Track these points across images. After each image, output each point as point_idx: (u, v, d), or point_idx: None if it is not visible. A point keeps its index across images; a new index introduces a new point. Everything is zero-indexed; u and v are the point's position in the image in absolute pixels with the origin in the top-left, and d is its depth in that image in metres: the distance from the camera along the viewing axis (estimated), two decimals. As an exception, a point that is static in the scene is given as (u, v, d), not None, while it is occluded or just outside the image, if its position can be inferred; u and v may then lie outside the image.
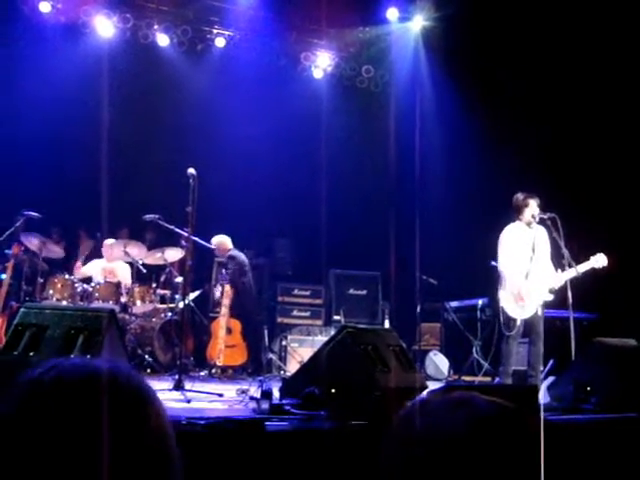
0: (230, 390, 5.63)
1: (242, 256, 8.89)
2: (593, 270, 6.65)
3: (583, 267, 6.60)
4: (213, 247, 8.77)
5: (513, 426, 0.95)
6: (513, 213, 6.88)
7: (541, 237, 6.82)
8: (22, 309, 3.82)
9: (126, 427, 0.90)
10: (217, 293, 8.73)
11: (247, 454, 3.46)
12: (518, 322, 6.63)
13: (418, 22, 10.64)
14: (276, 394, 4.61)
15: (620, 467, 4.21)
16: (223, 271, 8.76)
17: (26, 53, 9.28)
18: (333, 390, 4.17)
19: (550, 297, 6.69)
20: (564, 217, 6.66)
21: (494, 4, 8.93)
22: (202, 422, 3.54)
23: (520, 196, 6.82)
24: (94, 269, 8.64)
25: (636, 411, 4.91)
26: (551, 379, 6.09)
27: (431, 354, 9.19)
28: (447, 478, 0.90)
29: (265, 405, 4.21)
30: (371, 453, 1.05)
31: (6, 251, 7.94)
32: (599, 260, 6.61)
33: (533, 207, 6.73)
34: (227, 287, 8.45)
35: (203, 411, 4.43)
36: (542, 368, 6.81)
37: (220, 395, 5.41)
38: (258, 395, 4.44)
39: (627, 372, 5.34)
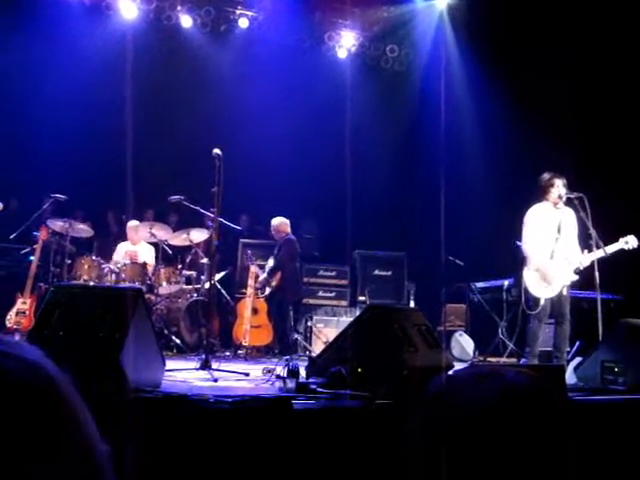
0: (256, 370, 5.66)
1: (296, 241, 9.02)
2: (621, 251, 6.57)
3: (611, 248, 6.51)
4: (271, 229, 9.02)
5: (543, 397, 0.94)
6: (539, 193, 6.81)
7: (568, 218, 6.74)
8: (51, 289, 3.87)
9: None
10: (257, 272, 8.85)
11: (274, 432, 3.48)
12: (542, 301, 6.57)
13: (443, 0, 10.51)
14: (302, 373, 4.63)
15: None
16: (248, 252, 8.81)
17: (50, 35, 9.32)
18: (359, 369, 4.18)
19: (575, 277, 6.62)
20: (592, 197, 6.57)
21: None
22: (229, 400, 3.57)
23: (546, 176, 6.73)
24: (119, 252, 8.71)
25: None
26: (578, 360, 6.05)
27: (457, 335, 9.16)
28: (477, 451, 0.89)
29: (292, 384, 4.23)
30: (397, 432, 1.04)
31: (34, 233, 8.05)
32: (629, 241, 6.51)
33: (559, 187, 6.65)
34: (252, 268, 8.51)
35: (230, 390, 4.46)
36: (568, 349, 6.76)
37: (247, 374, 5.43)
38: (285, 374, 4.46)
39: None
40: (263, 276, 8.70)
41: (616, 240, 6.55)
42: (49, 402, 0.74)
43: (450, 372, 1.10)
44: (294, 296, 8.95)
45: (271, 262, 8.83)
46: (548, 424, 0.91)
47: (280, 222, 8.97)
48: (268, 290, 8.70)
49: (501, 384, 0.94)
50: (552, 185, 6.68)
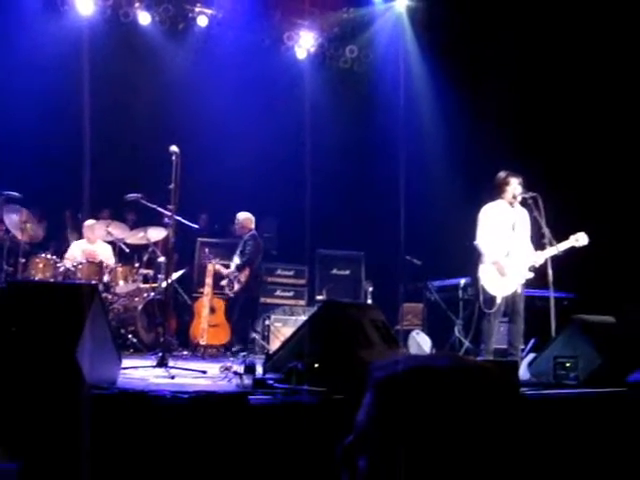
0: (213, 368, 5.64)
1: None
2: (573, 249, 6.71)
3: (563, 245, 6.65)
4: (236, 224, 9.07)
5: (496, 381, 0.96)
6: (495, 191, 6.91)
7: (522, 217, 6.85)
8: (5, 285, 3.81)
9: None
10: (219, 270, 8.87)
11: (231, 427, 3.48)
12: (498, 300, 6.67)
13: (402, 2, 10.60)
14: (259, 370, 4.64)
15: (599, 441, 4.29)
16: (206, 250, 8.77)
17: (3, 30, 9.14)
18: (316, 365, 4.20)
19: (530, 275, 6.74)
20: (544, 196, 6.70)
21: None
22: (186, 396, 3.56)
23: (502, 174, 6.84)
24: (75, 251, 8.59)
25: (614, 386, 5.00)
26: (531, 356, 6.17)
27: (414, 333, 9.24)
28: (420, 431, 0.90)
29: (248, 380, 4.23)
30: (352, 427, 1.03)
31: (-15, 231, 7.88)
32: (579, 239, 6.65)
33: (515, 185, 6.76)
34: (210, 266, 8.48)
35: (187, 386, 4.44)
36: (523, 347, 6.87)
37: (204, 372, 5.42)
38: (241, 371, 4.46)
39: (606, 348, 5.42)
40: (229, 271, 8.69)
41: (566, 238, 6.69)
42: None
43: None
44: (258, 293, 9.00)
45: (237, 259, 8.79)
46: (493, 415, 0.92)
47: (246, 217, 9.02)
48: (237, 287, 8.63)
49: (456, 361, 0.97)
50: (508, 184, 6.79)
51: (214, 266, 8.62)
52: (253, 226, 9.05)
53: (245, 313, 8.58)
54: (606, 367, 5.30)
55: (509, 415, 0.94)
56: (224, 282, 8.65)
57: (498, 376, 0.98)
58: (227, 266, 8.85)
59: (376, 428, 0.95)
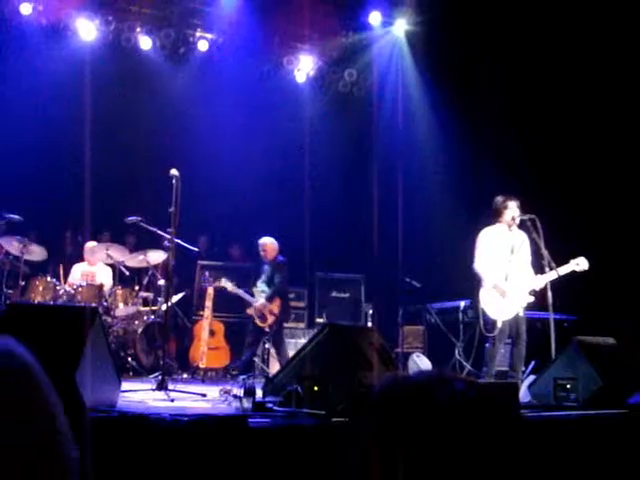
0: (213, 391, 5.64)
1: None
2: (573, 272, 6.71)
3: (564, 270, 6.66)
4: (262, 249, 8.54)
5: (490, 410, 0.96)
6: (493, 215, 6.93)
7: (521, 241, 6.87)
8: (5, 307, 3.82)
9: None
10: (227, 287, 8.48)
11: (230, 450, 3.48)
12: (499, 324, 6.67)
13: (401, 26, 10.70)
14: (259, 393, 4.63)
15: (599, 463, 4.27)
16: (206, 273, 8.75)
17: (6, 55, 9.23)
18: (315, 388, 4.19)
19: (530, 299, 6.74)
20: (543, 219, 6.72)
21: (475, 8, 9.01)
22: (185, 419, 3.56)
23: (500, 198, 6.87)
24: (75, 274, 8.60)
25: (615, 407, 4.99)
26: (532, 378, 6.15)
27: (414, 356, 9.21)
28: (421, 454, 0.90)
29: (248, 403, 4.23)
30: (353, 449, 1.02)
31: (-14, 254, 7.90)
32: (580, 263, 6.66)
33: (513, 209, 6.78)
34: (210, 289, 8.46)
35: (187, 409, 4.44)
36: (524, 369, 6.87)
37: (203, 395, 5.41)
38: (241, 394, 4.46)
39: (606, 370, 5.42)
40: (261, 304, 8.25)
41: (567, 261, 6.70)
42: (23, 386, 0.86)
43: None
44: (287, 318, 8.82)
45: (264, 287, 8.43)
46: (493, 437, 0.92)
47: (272, 242, 8.59)
48: (272, 319, 8.25)
49: (450, 392, 0.95)
50: (506, 207, 6.81)
51: (214, 289, 8.52)
52: (279, 251, 8.69)
53: (276, 340, 8.43)
54: (606, 389, 5.30)
55: (508, 436, 0.94)
56: (256, 313, 8.24)
57: (496, 397, 0.99)
58: (249, 292, 8.48)
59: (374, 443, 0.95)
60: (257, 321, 8.20)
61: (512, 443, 0.94)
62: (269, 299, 8.26)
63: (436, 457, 0.89)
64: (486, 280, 6.77)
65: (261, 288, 8.42)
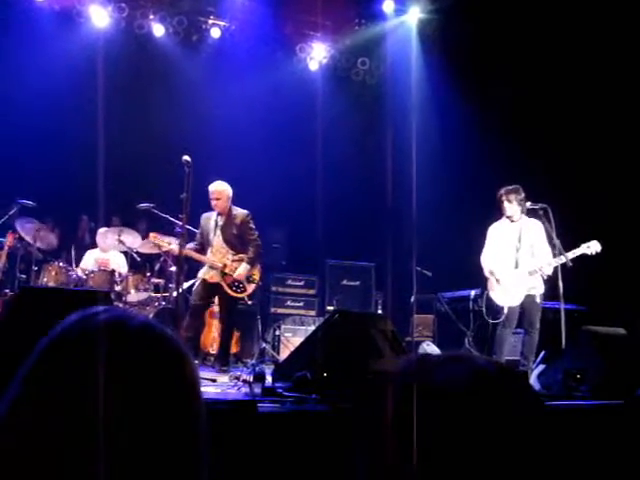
0: (223, 377, 5.68)
1: None
2: (584, 261, 6.68)
3: (573, 253, 6.63)
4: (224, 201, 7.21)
5: (510, 383, 0.95)
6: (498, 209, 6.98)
7: (529, 226, 6.86)
8: (19, 290, 3.86)
9: (167, 380, 0.93)
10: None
11: (239, 434, 3.50)
12: (505, 310, 6.68)
13: (414, 15, 10.66)
14: (269, 379, 4.66)
15: (609, 453, 4.27)
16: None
17: (20, 41, 9.27)
18: (325, 374, 4.21)
19: (536, 282, 6.71)
20: (555, 207, 6.70)
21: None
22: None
23: (501, 191, 6.88)
24: (88, 260, 8.66)
25: (625, 398, 4.97)
26: (541, 367, 6.15)
27: (424, 345, 9.21)
28: (443, 430, 0.89)
29: (257, 388, 4.25)
30: (366, 435, 1.01)
31: (0, 239, 7.96)
32: (591, 246, 6.64)
33: (513, 203, 6.78)
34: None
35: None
36: (534, 359, 6.87)
37: (213, 380, 5.44)
38: (251, 380, 4.48)
39: (616, 360, 5.41)
40: (244, 268, 7.13)
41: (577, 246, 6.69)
42: (184, 358, 0.97)
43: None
44: None
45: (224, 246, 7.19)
46: (514, 410, 0.91)
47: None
48: (252, 287, 7.35)
49: (471, 367, 0.95)
50: (507, 201, 6.82)
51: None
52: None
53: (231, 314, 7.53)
54: (616, 379, 5.29)
55: (531, 413, 0.93)
56: (218, 278, 7.11)
57: (517, 386, 0.96)
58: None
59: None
60: (228, 290, 7.09)
61: (535, 421, 0.92)
62: (252, 264, 7.21)
63: (456, 437, 0.88)
64: (485, 270, 6.91)
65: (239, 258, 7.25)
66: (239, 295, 7.21)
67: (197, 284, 7.23)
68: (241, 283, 7.16)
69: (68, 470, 0.85)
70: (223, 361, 7.19)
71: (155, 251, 8.51)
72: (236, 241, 7.21)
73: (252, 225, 7.31)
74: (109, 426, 0.86)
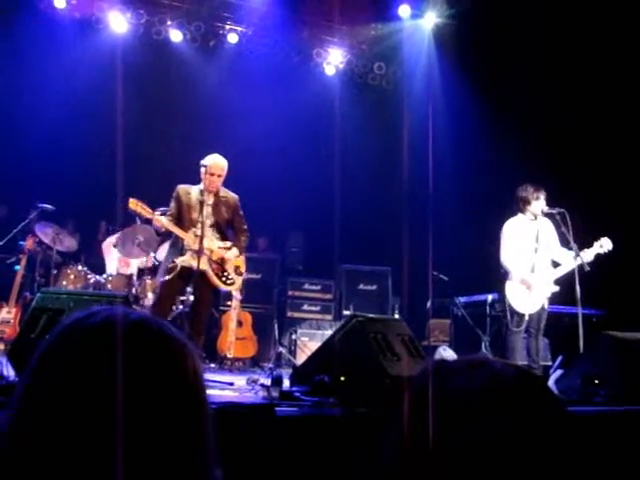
0: (241, 380, 5.69)
1: None
2: (601, 264, 6.64)
3: (589, 254, 6.59)
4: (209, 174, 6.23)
5: (529, 388, 0.94)
6: (518, 205, 6.89)
7: (545, 227, 6.84)
8: (39, 294, 3.90)
9: (167, 375, 0.95)
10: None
11: (257, 438, 3.52)
12: (526, 317, 6.65)
13: (430, 19, 10.66)
14: (286, 382, 4.67)
15: (627, 458, 4.24)
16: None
17: (41, 49, 9.38)
18: (342, 378, 4.22)
19: (556, 289, 6.69)
20: (572, 211, 6.67)
21: (505, 2, 8.95)
22: (213, 406, 3.59)
23: (530, 188, 6.80)
24: (112, 257, 8.76)
25: (644, 403, 4.94)
26: (559, 372, 6.11)
27: (440, 349, 9.20)
28: (461, 435, 0.88)
29: (275, 392, 4.27)
30: (379, 440, 1.01)
31: (20, 243, 8.06)
32: (604, 244, 6.60)
33: (542, 200, 6.75)
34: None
35: (214, 397, 4.48)
36: (544, 363, 6.85)
37: (231, 384, 5.46)
38: (268, 383, 4.50)
39: (636, 365, 5.36)
40: (233, 254, 6.36)
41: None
42: (186, 353, 0.98)
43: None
44: None
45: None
46: (533, 415, 0.90)
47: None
48: (240, 280, 6.61)
49: (489, 372, 0.94)
50: (537, 198, 6.77)
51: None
52: None
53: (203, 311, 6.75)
54: (636, 384, 5.25)
55: (551, 415, 0.93)
56: (206, 266, 6.19)
57: (536, 390, 0.95)
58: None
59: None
60: (216, 281, 6.26)
61: (558, 424, 0.92)
62: (241, 252, 6.50)
63: (476, 443, 0.88)
64: (514, 273, 6.75)
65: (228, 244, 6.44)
66: (227, 288, 6.40)
67: (172, 274, 6.13)
68: (230, 274, 6.31)
69: (76, 468, 0.87)
70: None
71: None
72: (225, 226, 6.37)
73: (242, 212, 6.51)
74: (112, 421, 0.88)
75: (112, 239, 8.67)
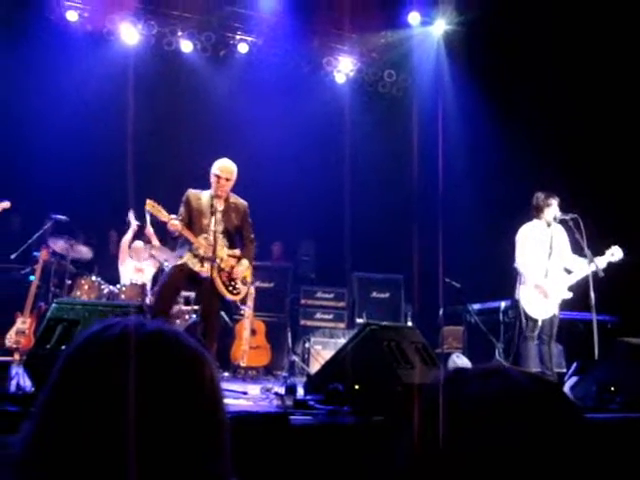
0: (254, 389, 5.70)
1: None
2: (614, 270, 6.62)
3: (602, 262, 6.58)
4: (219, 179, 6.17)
5: (546, 397, 0.94)
6: (532, 212, 6.90)
7: (558, 234, 6.84)
8: (54, 304, 3.92)
9: (185, 385, 0.96)
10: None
11: (272, 447, 3.52)
12: (539, 323, 6.63)
13: (440, 26, 10.68)
14: (300, 391, 4.67)
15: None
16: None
17: (54, 61, 9.47)
18: (356, 386, 4.22)
19: (569, 295, 6.67)
20: (584, 218, 6.65)
21: (515, 9, 8.94)
22: (228, 415, 3.60)
23: (541, 195, 6.83)
24: (127, 267, 8.81)
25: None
26: (574, 379, 6.08)
27: (454, 357, 9.15)
28: (477, 443, 0.88)
29: (289, 401, 4.27)
30: (393, 448, 1.01)
31: (35, 253, 8.11)
32: (615, 253, 6.60)
33: (554, 207, 6.75)
34: (252, 289, 8.51)
35: (228, 406, 4.48)
36: (558, 369, 6.82)
37: (244, 393, 5.46)
38: (282, 392, 4.51)
39: (651, 372, 5.33)
40: (245, 266, 6.24)
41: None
42: (203, 363, 1.00)
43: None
44: None
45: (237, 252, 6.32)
46: (549, 424, 0.90)
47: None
48: (245, 290, 6.38)
49: (504, 380, 0.95)
50: (548, 205, 6.77)
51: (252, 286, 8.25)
52: None
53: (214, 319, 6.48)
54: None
55: (569, 423, 0.92)
56: (213, 273, 5.98)
57: (552, 399, 0.95)
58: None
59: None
60: (222, 289, 6.09)
61: (576, 431, 0.92)
62: (251, 262, 6.35)
63: (493, 449, 0.88)
64: (528, 279, 6.74)
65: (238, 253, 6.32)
66: (232, 297, 6.20)
67: (175, 269, 6.06)
68: (237, 284, 6.18)
69: (95, 479, 0.89)
70: None
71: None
72: (234, 233, 6.25)
73: (250, 220, 6.40)
74: (131, 428, 0.90)
75: (129, 236, 8.72)
